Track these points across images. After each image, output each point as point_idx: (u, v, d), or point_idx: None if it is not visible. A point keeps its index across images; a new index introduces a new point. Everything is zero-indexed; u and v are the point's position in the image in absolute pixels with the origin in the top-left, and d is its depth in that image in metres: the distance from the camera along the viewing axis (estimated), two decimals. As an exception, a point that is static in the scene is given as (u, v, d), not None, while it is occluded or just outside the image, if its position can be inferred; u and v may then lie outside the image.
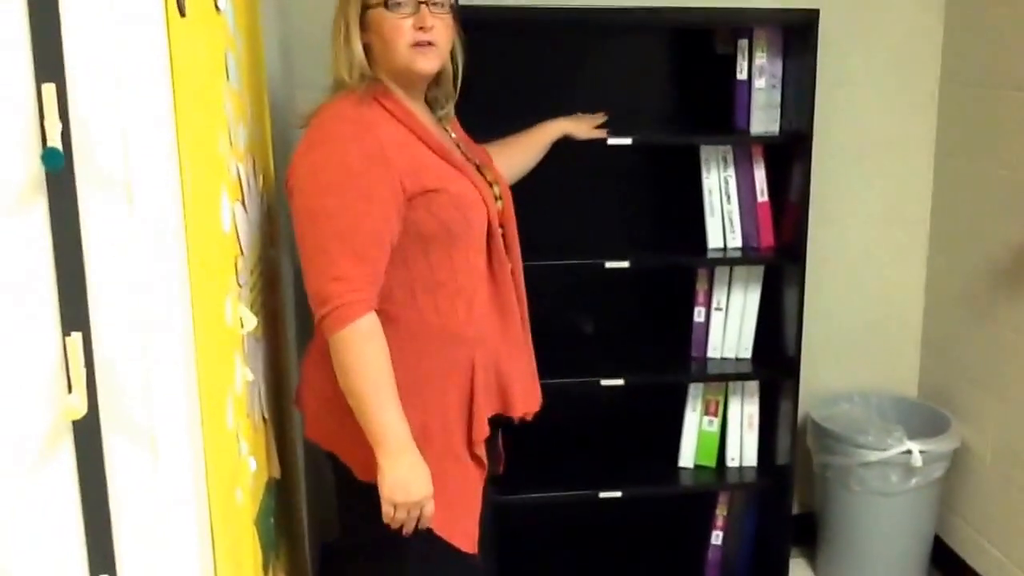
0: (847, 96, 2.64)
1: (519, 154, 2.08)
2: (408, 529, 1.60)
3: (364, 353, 1.53)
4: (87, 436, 1.06)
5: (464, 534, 1.68)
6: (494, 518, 1.94)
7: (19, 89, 1.00)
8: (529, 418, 1.82)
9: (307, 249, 1.55)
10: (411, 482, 1.56)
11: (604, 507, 2.52)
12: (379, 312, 1.56)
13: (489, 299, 1.69)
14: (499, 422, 1.77)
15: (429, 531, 1.64)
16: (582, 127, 2.22)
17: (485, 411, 1.68)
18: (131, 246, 1.06)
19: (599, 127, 2.26)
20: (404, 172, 1.56)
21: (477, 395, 1.66)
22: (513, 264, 1.78)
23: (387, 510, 1.57)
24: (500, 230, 1.74)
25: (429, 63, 1.62)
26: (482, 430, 1.68)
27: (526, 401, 1.77)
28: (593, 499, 2.47)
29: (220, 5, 1.41)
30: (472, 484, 1.70)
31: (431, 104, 1.77)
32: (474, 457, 1.69)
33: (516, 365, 1.75)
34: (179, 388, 1.11)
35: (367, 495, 1.62)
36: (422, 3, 1.59)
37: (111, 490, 1.09)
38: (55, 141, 1.01)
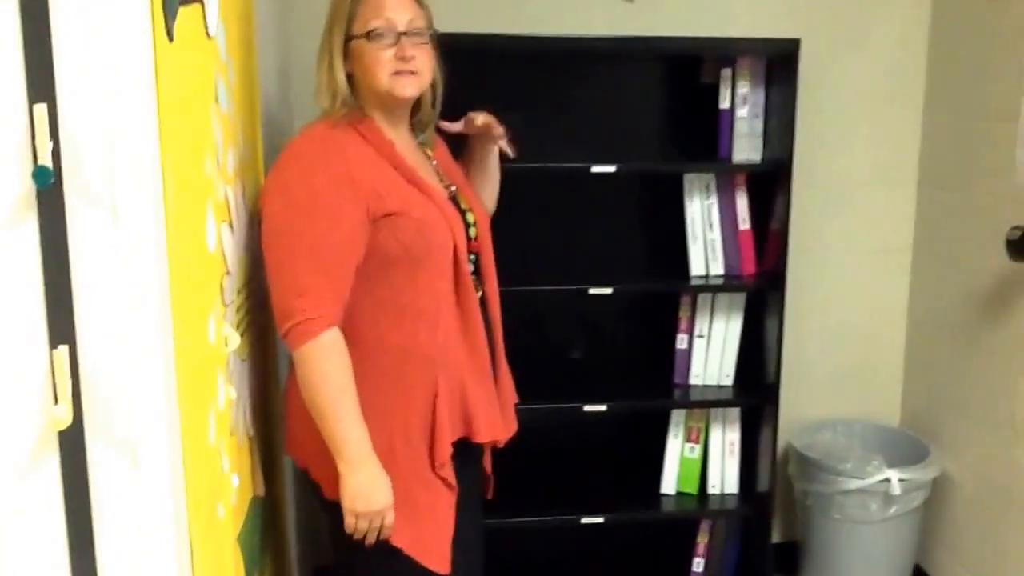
0: (830, 125, 2.69)
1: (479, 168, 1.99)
2: (370, 540, 1.62)
3: (326, 367, 1.56)
4: (72, 446, 1.09)
5: (435, 554, 1.69)
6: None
7: (12, 109, 1.04)
8: (500, 445, 1.84)
9: (273, 266, 1.59)
10: (371, 491, 1.59)
11: (586, 533, 2.54)
12: (343, 332, 1.59)
13: (455, 324, 1.71)
14: (471, 446, 1.78)
15: (393, 555, 1.66)
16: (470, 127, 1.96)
17: (448, 434, 1.69)
18: (116, 262, 1.10)
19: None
20: (369, 194, 1.60)
21: (440, 418, 1.67)
22: (487, 291, 1.80)
23: (348, 520, 1.60)
24: (472, 256, 1.77)
25: (409, 89, 1.68)
26: (444, 452, 1.69)
27: (492, 428, 1.78)
28: (575, 525, 2.49)
29: (211, 31, 1.45)
30: (441, 505, 1.70)
31: (415, 128, 1.81)
32: (441, 478, 1.70)
33: (482, 391, 1.76)
34: (160, 401, 1.14)
35: (333, 512, 1.66)
36: (402, 34, 1.64)
37: (94, 497, 1.11)
38: (45, 159, 1.04)
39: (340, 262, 1.58)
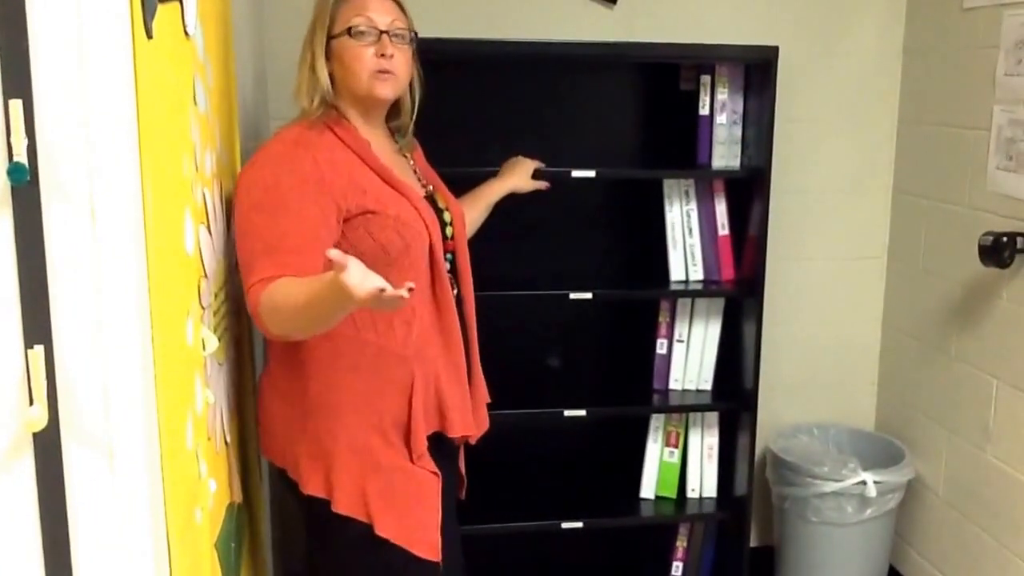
0: (806, 132, 2.71)
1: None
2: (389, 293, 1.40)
3: (282, 297, 1.48)
4: (47, 447, 1.07)
5: (423, 542, 1.69)
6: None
7: (-13, 105, 1.02)
8: (472, 442, 1.86)
9: (240, 262, 1.60)
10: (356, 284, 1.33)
11: (566, 538, 2.53)
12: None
13: (431, 321, 1.72)
14: (445, 442, 1.79)
15: (381, 546, 1.65)
16: (523, 181, 2.23)
17: (423, 427, 1.71)
18: (93, 261, 1.08)
19: (537, 176, 2.26)
20: (341, 193, 1.61)
21: (415, 412, 1.69)
22: (463, 290, 1.82)
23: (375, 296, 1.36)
24: (448, 255, 1.79)
25: (388, 90, 1.70)
26: (420, 444, 1.70)
27: (465, 423, 1.79)
28: (555, 530, 2.48)
29: (189, 31, 1.44)
30: (426, 492, 1.71)
31: (393, 133, 1.84)
32: (421, 467, 1.71)
33: (456, 387, 1.77)
34: (138, 403, 1.12)
35: (316, 510, 1.67)
36: (384, 32, 1.67)
37: (69, 500, 1.09)
38: (21, 156, 1.02)
39: (298, 256, 1.56)
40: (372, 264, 1.63)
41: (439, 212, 1.79)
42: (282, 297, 1.50)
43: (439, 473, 1.73)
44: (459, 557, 1.93)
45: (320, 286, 1.42)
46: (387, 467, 1.67)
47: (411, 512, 1.68)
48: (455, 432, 1.77)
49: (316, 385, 1.67)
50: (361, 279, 1.33)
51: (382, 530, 1.65)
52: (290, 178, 1.58)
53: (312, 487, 1.67)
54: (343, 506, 1.66)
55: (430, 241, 1.71)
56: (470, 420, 1.82)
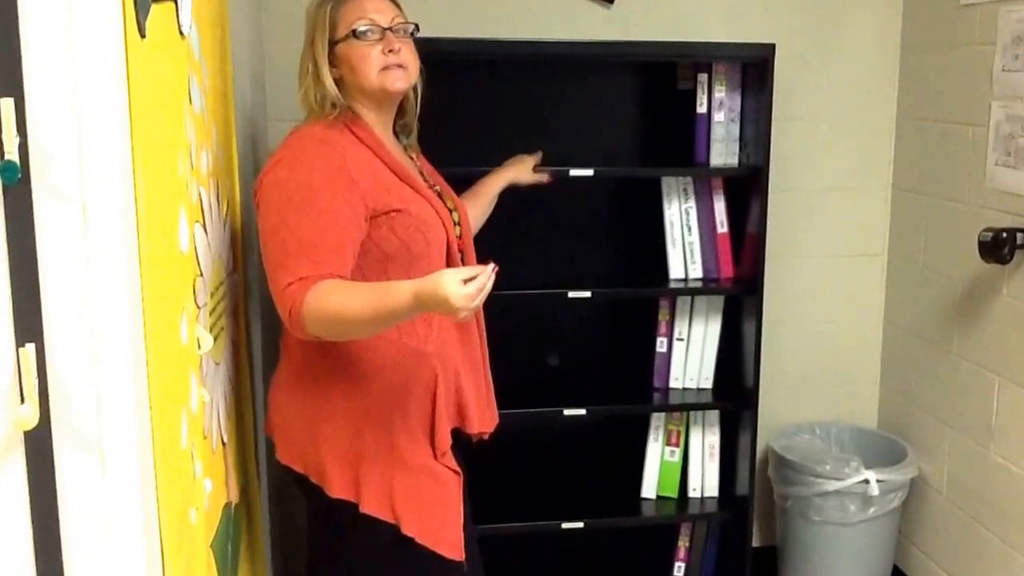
0: (805, 129, 2.70)
1: (469, 210, 2.08)
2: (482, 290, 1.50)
3: (336, 299, 1.51)
4: (38, 446, 1.06)
5: (447, 542, 1.70)
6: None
7: (-23, 103, 1.02)
8: (486, 437, 1.87)
9: (269, 261, 1.59)
10: (439, 295, 1.45)
11: (567, 538, 2.53)
12: None
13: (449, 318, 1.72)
14: (457, 441, 1.80)
15: (405, 546, 1.66)
16: (523, 173, 2.23)
17: (447, 423, 1.73)
18: (85, 259, 1.08)
19: (537, 168, 2.27)
20: (367, 191, 1.62)
21: (439, 408, 1.71)
22: None
23: (469, 298, 1.47)
24: (459, 254, 1.80)
25: (400, 82, 1.71)
26: (445, 441, 1.72)
27: (482, 419, 1.82)
28: (556, 530, 2.47)
29: (184, 30, 1.44)
30: (449, 492, 1.73)
31: (397, 135, 1.85)
32: (445, 466, 1.73)
33: (473, 383, 1.80)
34: (129, 402, 1.12)
35: (340, 513, 1.67)
36: (388, 29, 1.68)
37: (61, 500, 1.09)
38: (12, 154, 1.02)
39: (334, 255, 1.57)
40: (394, 262, 1.66)
41: (448, 212, 1.81)
42: (336, 301, 1.51)
43: (460, 471, 1.74)
44: (478, 557, 1.94)
45: (396, 296, 1.47)
46: (413, 466, 1.68)
47: (435, 511, 1.70)
48: (473, 429, 1.80)
49: (341, 386, 1.67)
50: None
51: (408, 529, 1.66)
52: (321, 177, 1.59)
53: (340, 490, 1.67)
54: (371, 507, 1.67)
55: (447, 239, 1.74)
56: (487, 416, 1.85)
